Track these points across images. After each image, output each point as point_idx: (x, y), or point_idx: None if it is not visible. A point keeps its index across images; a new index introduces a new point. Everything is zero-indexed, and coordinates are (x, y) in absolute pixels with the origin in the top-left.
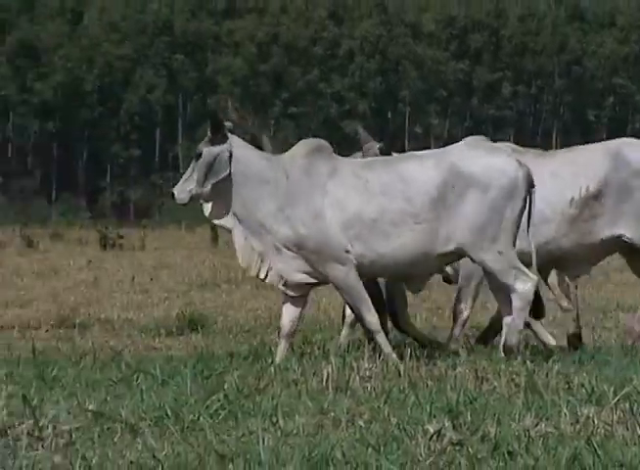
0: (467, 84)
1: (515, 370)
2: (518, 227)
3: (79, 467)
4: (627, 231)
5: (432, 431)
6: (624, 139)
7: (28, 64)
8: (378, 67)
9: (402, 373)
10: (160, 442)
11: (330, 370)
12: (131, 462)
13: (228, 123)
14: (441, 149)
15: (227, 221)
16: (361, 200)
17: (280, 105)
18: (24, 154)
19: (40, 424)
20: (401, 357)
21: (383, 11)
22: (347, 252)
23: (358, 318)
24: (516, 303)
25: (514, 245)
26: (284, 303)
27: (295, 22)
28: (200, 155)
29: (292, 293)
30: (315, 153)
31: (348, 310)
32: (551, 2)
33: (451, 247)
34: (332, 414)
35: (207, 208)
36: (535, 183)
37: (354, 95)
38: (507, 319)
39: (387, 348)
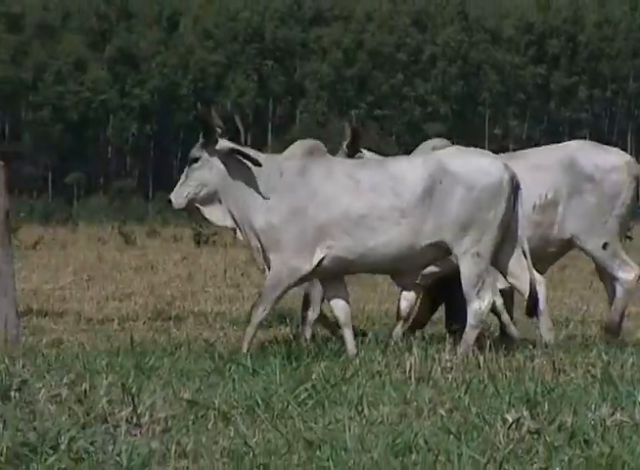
0: (544, 88)
1: (591, 362)
2: (500, 231)
3: (175, 453)
4: (575, 233)
5: (510, 420)
6: (578, 142)
7: (127, 70)
8: (459, 71)
9: (482, 364)
10: (251, 429)
11: (413, 362)
12: (224, 448)
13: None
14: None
15: (227, 222)
16: (351, 198)
17: (365, 108)
18: (123, 155)
19: (138, 411)
20: (481, 349)
21: (464, 18)
22: (311, 254)
23: (254, 305)
24: (469, 319)
25: (491, 251)
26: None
27: (379, 28)
28: (195, 160)
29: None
30: (310, 154)
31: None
32: (626, 9)
33: (435, 240)
34: (414, 404)
35: (206, 211)
36: None
37: (436, 98)
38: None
39: (247, 342)
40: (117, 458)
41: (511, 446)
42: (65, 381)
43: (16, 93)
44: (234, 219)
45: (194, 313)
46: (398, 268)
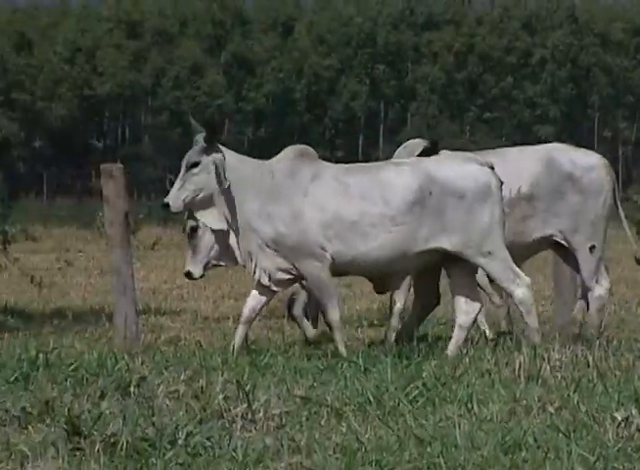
0: None
1: None
2: (503, 228)
3: (288, 448)
4: (558, 231)
5: (619, 418)
6: (555, 144)
7: (243, 75)
8: (568, 74)
9: (591, 363)
10: (363, 425)
11: (522, 360)
12: (336, 444)
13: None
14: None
15: (221, 224)
16: (341, 202)
17: (475, 110)
18: None
19: (253, 408)
20: (590, 348)
21: (573, 21)
22: (324, 250)
23: (323, 312)
24: (521, 308)
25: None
26: (254, 291)
27: (490, 33)
28: (195, 164)
29: (276, 288)
30: (300, 157)
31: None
32: None
33: (431, 246)
34: (524, 402)
35: (199, 214)
36: None
37: (546, 101)
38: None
39: (341, 345)
40: (233, 453)
41: (620, 445)
42: (182, 377)
43: (136, 98)
44: (227, 223)
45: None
46: (388, 273)
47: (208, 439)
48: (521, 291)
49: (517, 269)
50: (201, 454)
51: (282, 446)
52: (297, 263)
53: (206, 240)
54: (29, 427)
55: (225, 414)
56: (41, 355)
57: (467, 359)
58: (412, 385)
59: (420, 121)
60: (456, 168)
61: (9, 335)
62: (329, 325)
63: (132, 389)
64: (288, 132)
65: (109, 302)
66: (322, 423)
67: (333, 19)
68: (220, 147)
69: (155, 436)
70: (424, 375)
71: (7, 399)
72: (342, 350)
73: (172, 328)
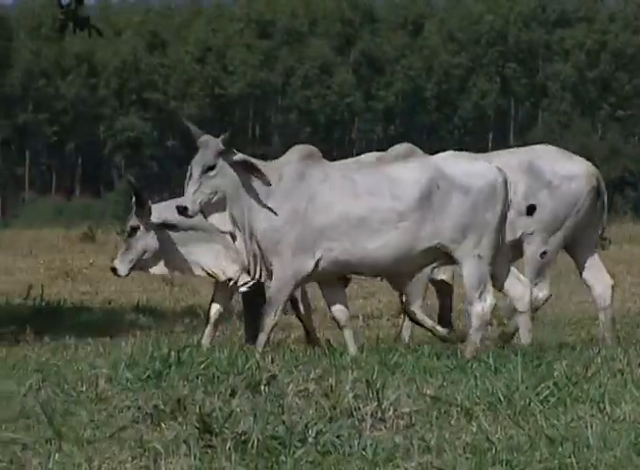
0: None
1: None
2: (499, 233)
3: (418, 448)
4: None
5: None
6: (540, 146)
7: (372, 73)
8: None
9: None
10: (494, 425)
11: None
12: (466, 444)
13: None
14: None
15: (227, 227)
16: (349, 201)
17: (607, 109)
18: None
19: (383, 406)
20: None
21: None
22: (312, 257)
23: (263, 311)
24: (473, 321)
25: (492, 254)
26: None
27: (623, 29)
28: (212, 167)
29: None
30: (308, 158)
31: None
32: None
33: (434, 243)
34: None
35: (213, 216)
36: None
37: None
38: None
39: (260, 347)
40: (363, 452)
41: None
42: (312, 376)
43: (266, 97)
44: (236, 225)
45: (436, 311)
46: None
47: (338, 437)
48: (481, 306)
49: (489, 285)
50: (330, 453)
51: (412, 445)
52: (271, 259)
53: (142, 243)
54: (162, 424)
55: (355, 413)
56: (173, 353)
57: (598, 359)
58: (543, 384)
59: (551, 120)
60: (465, 165)
61: (141, 333)
62: (260, 326)
63: (263, 387)
64: (417, 131)
65: (239, 300)
66: (452, 422)
67: (463, 17)
68: (233, 150)
69: (285, 434)
70: (555, 374)
71: (140, 397)
72: (260, 351)
73: (302, 327)
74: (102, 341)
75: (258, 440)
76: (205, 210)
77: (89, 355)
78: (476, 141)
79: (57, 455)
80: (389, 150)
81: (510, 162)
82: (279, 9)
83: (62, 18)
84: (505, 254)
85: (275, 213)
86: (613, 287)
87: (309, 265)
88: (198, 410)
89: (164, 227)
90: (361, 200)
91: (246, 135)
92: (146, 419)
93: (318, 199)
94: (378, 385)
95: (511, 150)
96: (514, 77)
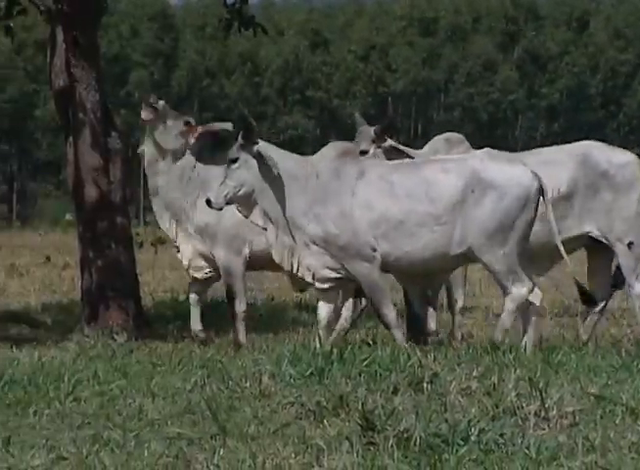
0: None
1: None
2: (527, 234)
3: (582, 447)
4: (594, 227)
5: None
6: (590, 142)
7: (535, 70)
8: None
9: None
10: None
11: None
12: (632, 443)
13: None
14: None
15: (261, 221)
16: (387, 201)
17: None
18: None
19: (546, 405)
20: None
21: None
22: (374, 250)
23: (376, 312)
24: (508, 304)
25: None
26: (317, 299)
27: None
28: (235, 160)
29: (321, 286)
30: (344, 155)
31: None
32: None
33: (464, 248)
34: None
35: (245, 210)
36: None
37: None
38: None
39: (402, 342)
40: (526, 451)
41: None
42: (474, 374)
43: (428, 94)
44: (270, 220)
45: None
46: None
47: (501, 436)
48: (517, 290)
49: (521, 273)
50: (493, 451)
51: (575, 444)
52: (348, 264)
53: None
54: (324, 421)
55: (518, 411)
56: (335, 350)
57: None
58: None
59: None
60: (503, 169)
61: (304, 329)
62: (385, 325)
63: (425, 385)
64: (581, 128)
65: (400, 297)
66: (617, 422)
67: (631, 13)
68: (262, 143)
69: (447, 432)
70: None
71: (302, 393)
72: (402, 346)
73: (464, 325)
74: (265, 337)
75: (421, 437)
76: (237, 203)
77: (253, 352)
78: None
79: (221, 451)
80: (437, 137)
81: (562, 156)
82: (441, 6)
83: (227, 17)
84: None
85: (323, 216)
86: None
87: (375, 256)
88: (360, 407)
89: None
90: (399, 201)
91: (408, 133)
92: (309, 416)
93: (358, 197)
94: (541, 384)
95: (551, 149)
96: None
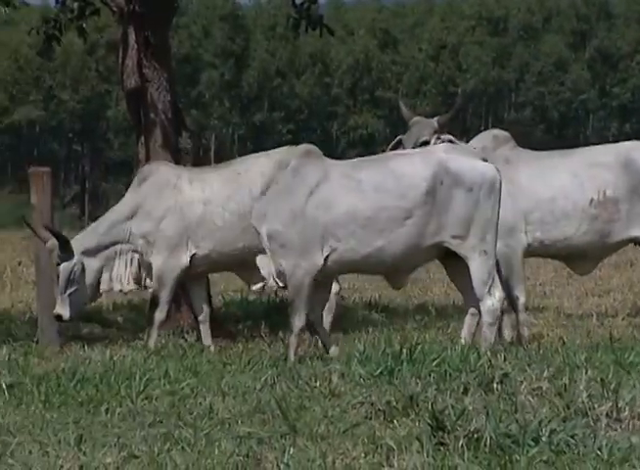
0: None
1: None
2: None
3: None
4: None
5: None
6: (634, 142)
7: (607, 70)
8: None
9: None
10: None
11: None
12: None
13: None
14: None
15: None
16: (353, 199)
17: None
18: None
19: (618, 406)
20: None
21: None
22: (323, 251)
23: (289, 314)
24: (485, 317)
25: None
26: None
27: None
28: None
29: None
30: (304, 157)
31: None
32: None
33: (437, 240)
34: None
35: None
36: (556, 180)
37: None
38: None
39: (292, 351)
40: (598, 452)
41: None
42: (545, 374)
43: (499, 94)
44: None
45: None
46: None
47: (572, 437)
48: (491, 301)
49: (497, 279)
50: (564, 452)
51: None
52: (283, 261)
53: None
54: (394, 421)
55: (589, 412)
56: (405, 350)
57: None
58: None
59: None
60: (467, 161)
61: (373, 329)
62: (290, 326)
63: (495, 385)
64: None
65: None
66: None
67: None
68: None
69: (518, 432)
70: None
71: (372, 393)
72: (291, 355)
73: (535, 325)
74: (335, 336)
75: (491, 438)
76: None
77: (321, 351)
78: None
79: (291, 450)
80: (485, 133)
81: (605, 157)
82: (512, 5)
83: (295, 17)
84: None
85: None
86: None
87: (319, 261)
88: (430, 407)
89: None
90: (367, 197)
91: (477, 132)
92: (378, 415)
93: (316, 197)
94: (613, 384)
95: (595, 147)
96: None
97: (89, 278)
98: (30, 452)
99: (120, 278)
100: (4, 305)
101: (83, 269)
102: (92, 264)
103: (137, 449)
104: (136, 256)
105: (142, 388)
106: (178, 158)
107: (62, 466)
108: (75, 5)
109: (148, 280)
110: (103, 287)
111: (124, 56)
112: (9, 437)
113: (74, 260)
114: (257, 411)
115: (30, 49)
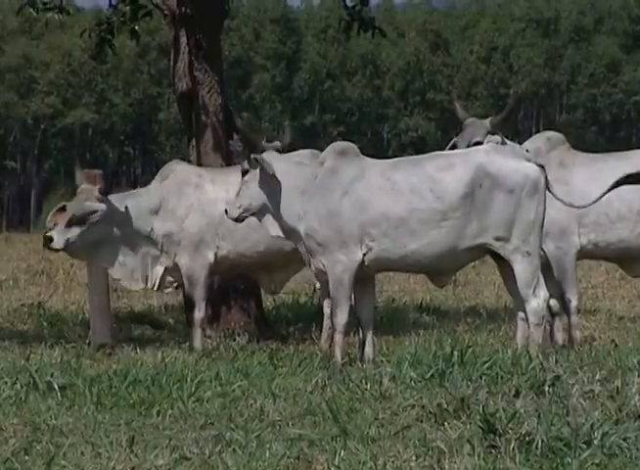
0: None
1: None
2: (541, 230)
3: None
4: None
5: None
6: None
7: None
8: None
9: None
10: None
11: None
12: None
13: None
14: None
15: (279, 232)
16: (388, 200)
17: None
18: None
19: None
20: None
21: None
22: (360, 250)
23: (333, 313)
24: (531, 318)
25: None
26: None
27: None
28: (246, 172)
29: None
30: (342, 155)
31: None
32: None
33: (479, 242)
34: None
35: (264, 221)
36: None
37: None
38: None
39: (339, 351)
40: None
41: None
42: (597, 377)
43: (550, 95)
44: (281, 228)
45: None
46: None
47: (625, 440)
48: (536, 302)
49: (542, 279)
50: (617, 455)
51: None
52: (324, 260)
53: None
54: (445, 424)
55: None
56: (456, 353)
57: None
58: None
59: None
60: (508, 162)
61: (424, 332)
62: (335, 326)
63: (547, 388)
64: None
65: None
66: None
67: None
68: (267, 154)
69: (570, 435)
70: None
71: (423, 396)
72: (338, 357)
73: (586, 327)
74: (386, 339)
75: (543, 441)
76: (255, 215)
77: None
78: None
79: (342, 452)
80: (540, 134)
81: None
82: (563, 7)
83: (347, 19)
84: None
85: (311, 214)
86: None
87: (356, 257)
88: (481, 410)
89: None
90: (402, 198)
91: (529, 134)
92: (429, 418)
93: (352, 196)
94: None
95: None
96: None
97: (97, 233)
98: (82, 454)
99: (132, 272)
100: (56, 307)
101: (100, 221)
102: (106, 226)
103: (188, 451)
104: (150, 255)
105: (193, 390)
106: (229, 160)
107: (114, 468)
108: (127, 8)
109: (168, 279)
110: (114, 274)
111: (176, 59)
112: (61, 438)
113: (104, 207)
114: (308, 414)
115: (83, 52)
